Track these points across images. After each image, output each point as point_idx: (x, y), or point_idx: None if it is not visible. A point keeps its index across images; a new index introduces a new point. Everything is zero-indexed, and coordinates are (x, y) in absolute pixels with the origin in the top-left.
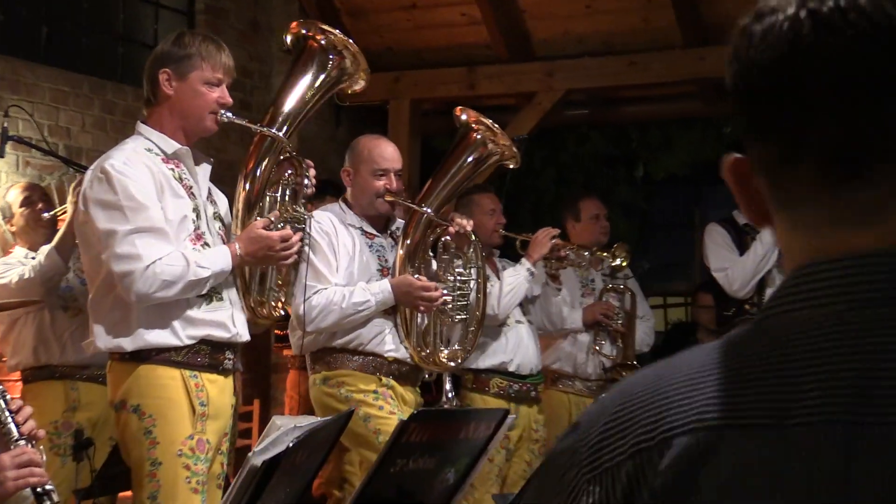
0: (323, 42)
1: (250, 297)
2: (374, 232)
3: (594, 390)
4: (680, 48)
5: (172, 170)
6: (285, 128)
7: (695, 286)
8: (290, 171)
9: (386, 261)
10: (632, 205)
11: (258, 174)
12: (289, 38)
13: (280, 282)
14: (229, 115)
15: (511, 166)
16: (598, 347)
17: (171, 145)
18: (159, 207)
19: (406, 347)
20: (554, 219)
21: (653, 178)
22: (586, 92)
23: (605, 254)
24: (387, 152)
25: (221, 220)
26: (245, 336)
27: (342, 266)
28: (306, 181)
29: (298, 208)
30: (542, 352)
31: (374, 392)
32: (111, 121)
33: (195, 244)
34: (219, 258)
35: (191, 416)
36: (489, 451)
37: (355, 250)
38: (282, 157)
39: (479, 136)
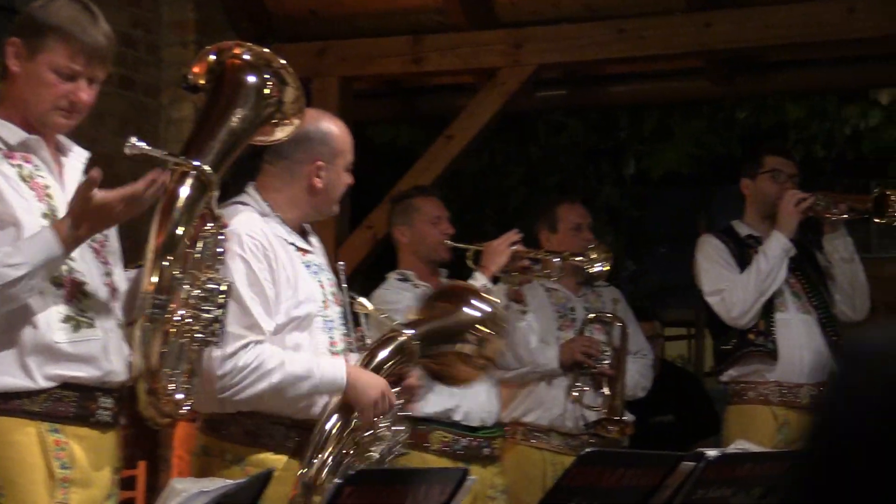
0: (247, 57)
1: (159, 382)
2: (306, 246)
3: (576, 447)
4: (681, 13)
5: (19, 166)
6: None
7: (697, 315)
8: (210, 226)
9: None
10: (620, 211)
11: (181, 224)
12: (192, 76)
13: (188, 367)
14: (141, 144)
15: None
16: (577, 395)
17: (17, 134)
18: None
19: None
20: (524, 229)
21: (647, 177)
22: (563, 68)
23: (579, 259)
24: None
25: None
26: (123, 374)
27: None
28: (220, 242)
29: (214, 275)
30: (507, 399)
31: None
32: None
33: None
34: (38, 245)
35: (48, 482)
36: None
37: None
38: (205, 207)
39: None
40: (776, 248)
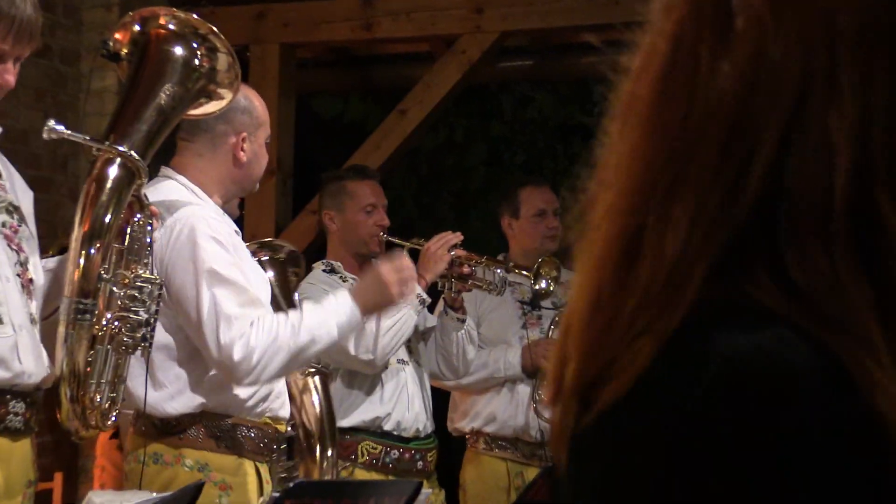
0: (173, 27)
1: (85, 390)
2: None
3: (544, 458)
4: None
5: None
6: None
7: None
8: (138, 217)
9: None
10: None
11: (109, 212)
12: (113, 42)
13: (116, 375)
14: (60, 128)
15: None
16: (537, 406)
17: None
18: None
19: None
20: (485, 214)
21: None
22: (531, 35)
23: (524, 272)
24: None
25: (13, 212)
26: (37, 376)
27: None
28: (148, 233)
29: (144, 271)
30: (467, 407)
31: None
32: None
33: None
34: None
35: None
36: None
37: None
38: (132, 195)
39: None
40: None
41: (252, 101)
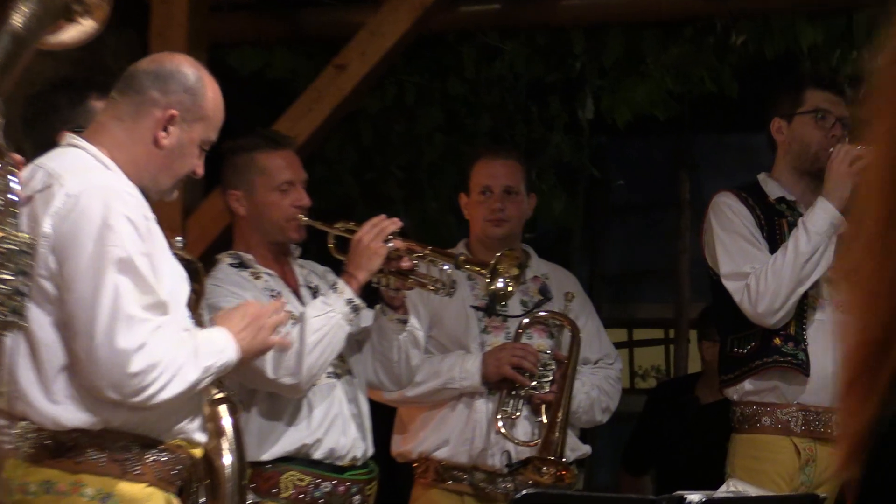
0: None
1: None
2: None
3: (507, 490)
4: None
5: None
6: None
7: (678, 312)
8: None
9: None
10: (574, 168)
11: None
12: None
13: None
14: None
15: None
16: (502, 424)
17: None
18: None
19: None
20: (442, 193)
21: (610, 122)
22: None
23: (476, 268)
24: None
25: None
26: None
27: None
28: (12, 184)
29: (14, 231)
30: (415, 427)
31: None
32: None
33: None
34: None
35: None
36: None
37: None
38: None
39: None
40: (822, 222)
41: (204, 85)
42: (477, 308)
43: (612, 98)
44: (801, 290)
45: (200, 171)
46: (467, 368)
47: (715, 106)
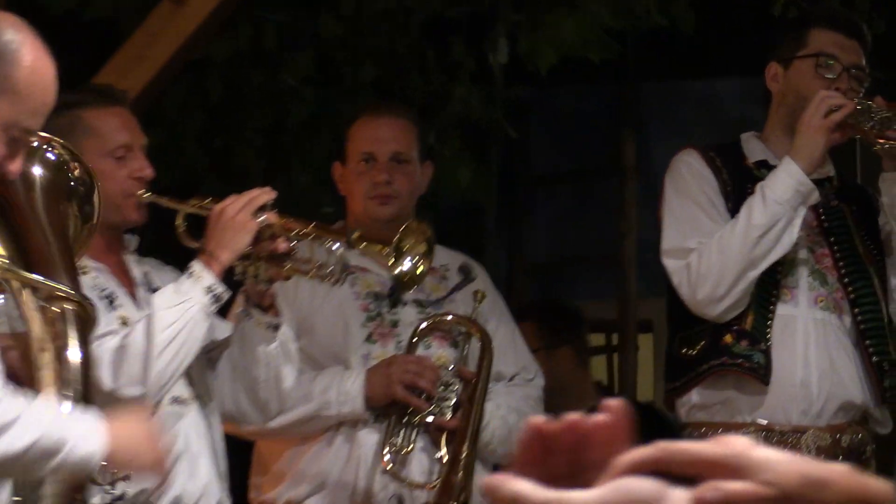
0: None
1: None
2: None
3: None
4: None
5: None
6: None
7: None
8: None
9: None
10: (486, 128)
11: None
12: None
13: None
14: None
15: None
16: (390, 461)
17: None
18: None
19: None
20: (313, 163)
21: (532, 69)
22: None
23: (375, 246)
24: None
25: None
26: None
27: None
28: None
29: None
30: (281, 466)
31: None
32: None
33: None
34: None
35: None
36: None
37: None
38: None
39: None
40: (785, 188)
41: (19, 49)
42: (377, 296)
43: (533, 38)
44: (754, 273)
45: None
46: (347, 389)
47: (666, 45)
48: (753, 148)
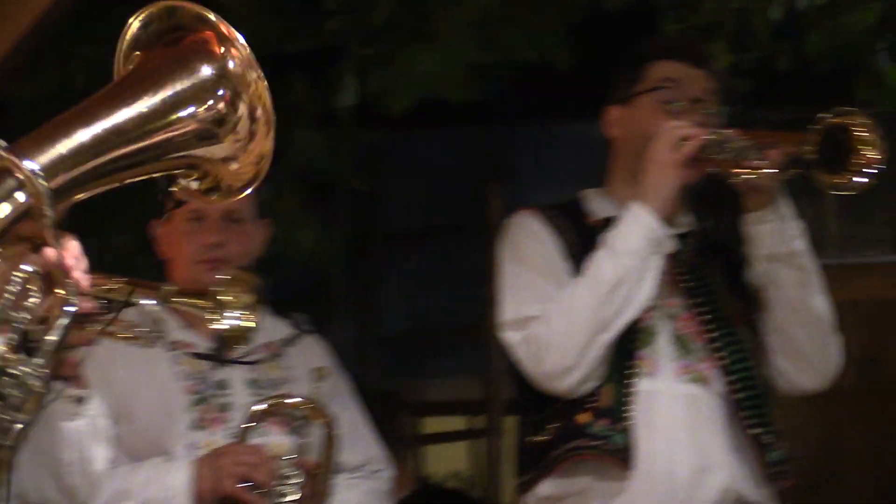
0: None
1: None
2: None
3: None
4: None
5: None
6: None
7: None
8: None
9: None
10: (332, 181)
11: None
12: None
13: None
14: None
15: None
16: None
17: None
18: None
19: None
20: (129, 218)
21: (384, 109)
22: None
23: (194, 300)
24: None
25: None
26: None
27: None
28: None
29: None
30: None
31: None
32: None
33: None
34: None
35: None
36: None
37: None
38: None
39: None
40: (634, 236)
41: None
42: (201, 356)
43: (385, 75)
44: (607, 336)
45: None
46: (170, 483)
47: (539, 83)
48: (598, 205)
